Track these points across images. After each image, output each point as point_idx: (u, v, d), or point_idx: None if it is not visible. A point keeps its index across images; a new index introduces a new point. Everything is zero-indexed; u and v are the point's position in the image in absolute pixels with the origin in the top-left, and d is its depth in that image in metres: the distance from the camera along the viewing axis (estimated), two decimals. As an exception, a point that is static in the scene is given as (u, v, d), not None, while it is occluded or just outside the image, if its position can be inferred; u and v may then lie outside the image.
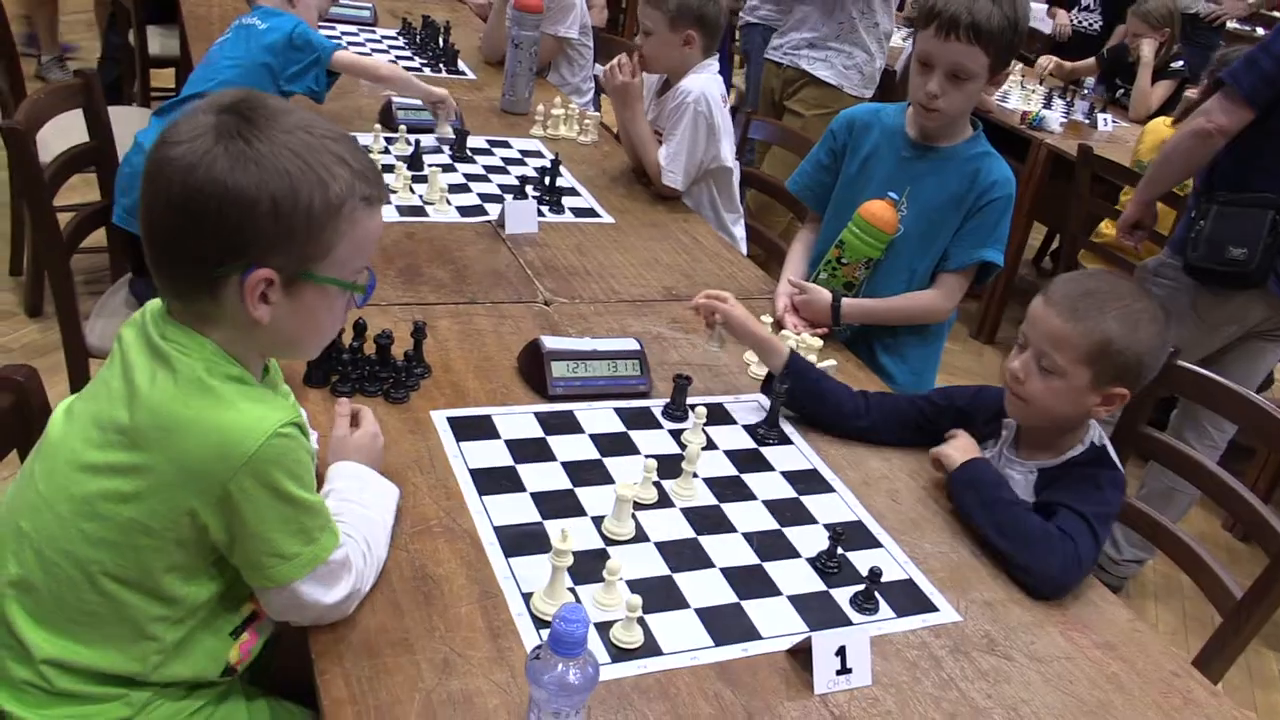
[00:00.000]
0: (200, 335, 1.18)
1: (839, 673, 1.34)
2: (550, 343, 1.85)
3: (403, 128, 2.81)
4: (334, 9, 3.87)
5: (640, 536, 1.54)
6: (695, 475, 1.67)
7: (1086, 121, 4.55)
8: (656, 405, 1.86)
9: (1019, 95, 4.70)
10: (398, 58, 3.61)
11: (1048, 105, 4.59)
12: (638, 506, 1.59)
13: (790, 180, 2.46)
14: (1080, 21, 5.50)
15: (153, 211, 1.14)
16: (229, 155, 1.10)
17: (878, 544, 1.63)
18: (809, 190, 2.41)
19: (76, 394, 1.27)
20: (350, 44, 3.66)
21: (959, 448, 1.78)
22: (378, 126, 2.86)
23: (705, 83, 2.76)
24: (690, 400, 1.85)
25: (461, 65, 3.64)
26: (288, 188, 1.11)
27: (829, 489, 1.73)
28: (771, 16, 4.17)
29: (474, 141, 2.90)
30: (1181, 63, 4.78)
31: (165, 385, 1.15)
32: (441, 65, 3.59)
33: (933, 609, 1.51)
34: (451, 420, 1.71)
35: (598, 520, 1.55)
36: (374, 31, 3.88)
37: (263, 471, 1.14)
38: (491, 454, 1.65)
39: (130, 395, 1.16)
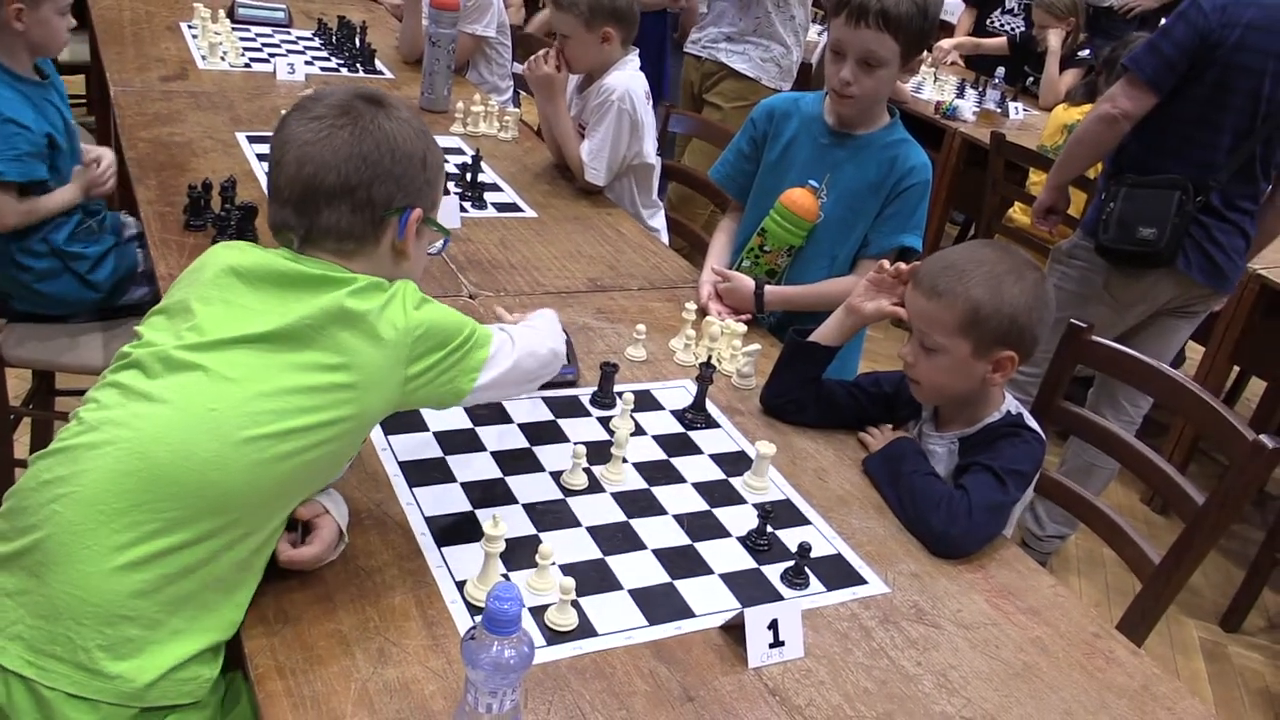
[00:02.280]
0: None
1: (772, 646, 1.35)
2: (476, 334, 1.85)
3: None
4: (247, 11, 3.84)
5: (571, 521, 1.55)
6: (625, 460, 1.68)
7: (998, 110, 4.65)
8: (584, 394, 1.87)
9: (932, 86, 4.79)
10: (314, 58, 3.57)
11: (960, 95, 4.68)
12: (567, 492, 1.60)
13: (712, 170, 2.49)
14: (1004, 25, 5.60)
15: (322, 169, 1.32)
16: (388, 119, 1.36)
17: (806, 521, 1.65)
18: (731, 179, 2.44)
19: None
20: (265, 45, 3.62)
21: (882, 440, 1.84)
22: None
23: (629, 79, 2.76)
24: (617, 387, 1.86)
25: (379, 65, 3.62)
26: (426, 146, 1.40)
27: (757, 470, 1.75)
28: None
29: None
30: (1088, 51, 4.90)
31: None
32: (359, 65, 3.56)
33: (861, 581, 1.53)
34: (378, 414, 1.70)
35: (529, 508, 1.56)
36: (289, 33, 3.84)
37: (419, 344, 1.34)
38: (420, 446, 1.65)
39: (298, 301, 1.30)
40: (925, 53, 2.27)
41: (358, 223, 1.35)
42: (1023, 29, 5.38)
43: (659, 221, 2.93)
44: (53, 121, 2.34)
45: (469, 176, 2.63)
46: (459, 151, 2.95)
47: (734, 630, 1.37)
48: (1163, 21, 3.12)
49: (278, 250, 1.35)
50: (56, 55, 2.44)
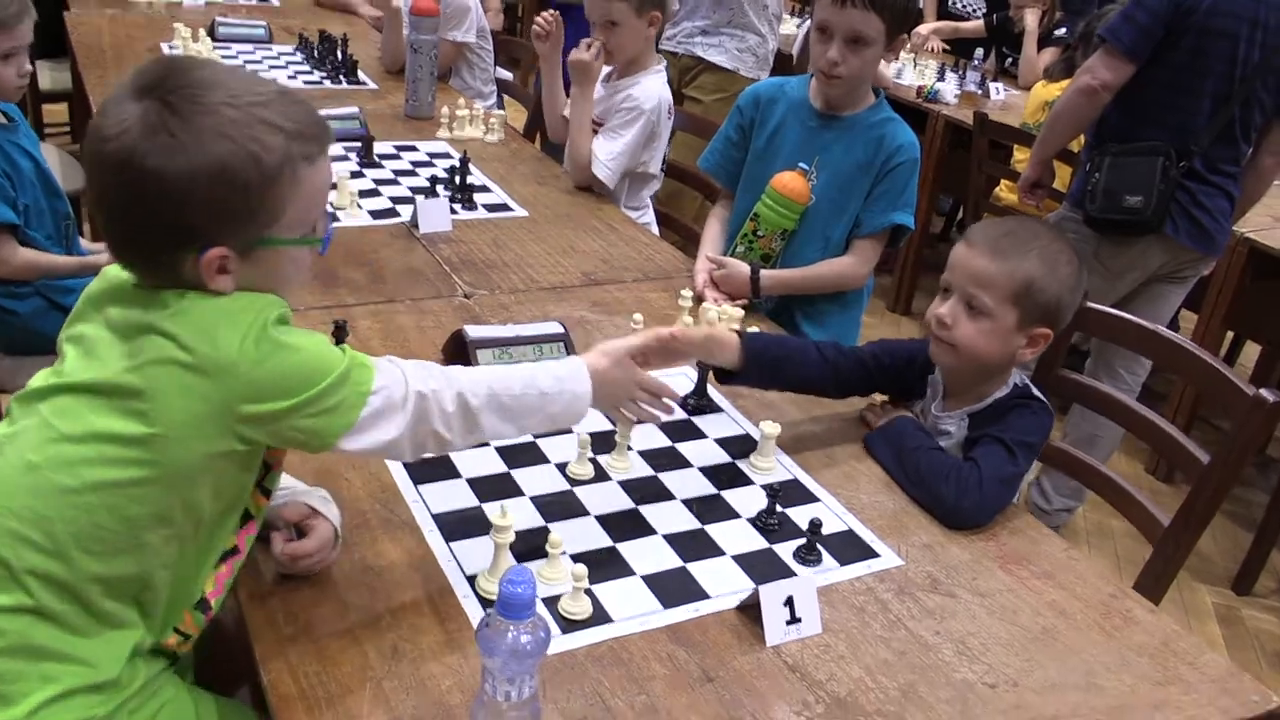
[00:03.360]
0: None
1: (789, 623, 1.35)
2: (474, 331, 1.84)
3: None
4: (228, 29, 3.84)
5: (579, 510, 1.54)
6: (630, 448, 1.67)
7: (979, 92, 4.66)
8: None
9: (913, 71, 4.79)
10: (296, 73, 3.56)
11: (941, 79, 4.68)
12: (573, 482, 1.60)
13: (701, 159, 2.48)
14: (967, 6, 5.61)
15: (100, 202, 1.16)
16: (157, 148, 1.10)
17: (815, 499, 1.65)
18: (720, 167, 2.43)
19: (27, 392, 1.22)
20: (247, 63, 3.61)
21: (883, 417, 1.83)
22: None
23: (661, 90, 2.79)
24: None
25: (362, 75, 3.61)
26: (219, 170, 1.11)
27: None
28: None
29: (380, 147, 2.88)
30: (1064, 30, 4.91)
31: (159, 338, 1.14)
32: (342, 77, 3.55)
33: (874, 555, 1.53)
34: (380, 415, 1.69)
35: (536, 500, 1.55)
36: (270, 49, 3.83)
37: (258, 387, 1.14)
38: (424, 445, 1.64)
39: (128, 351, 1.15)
40: (908, 33, 2.27)
41: (140, 257, 1.18)
42: (984, 10, 5.39)
43: (648, 218, 2.93)
44: (16, 163, 2.32)
45: (458, 179, 2.62)
46: (446, 156, 2.94)
47: (750, 610, 1.37)
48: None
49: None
50: (12, 100, 2.40)
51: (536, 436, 1.70)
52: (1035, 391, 1.78)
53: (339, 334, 1.77)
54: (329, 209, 1.28)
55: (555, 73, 2.95)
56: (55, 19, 3.98)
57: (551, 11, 2.89)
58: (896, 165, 2.19)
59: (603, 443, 1.68)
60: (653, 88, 2.80)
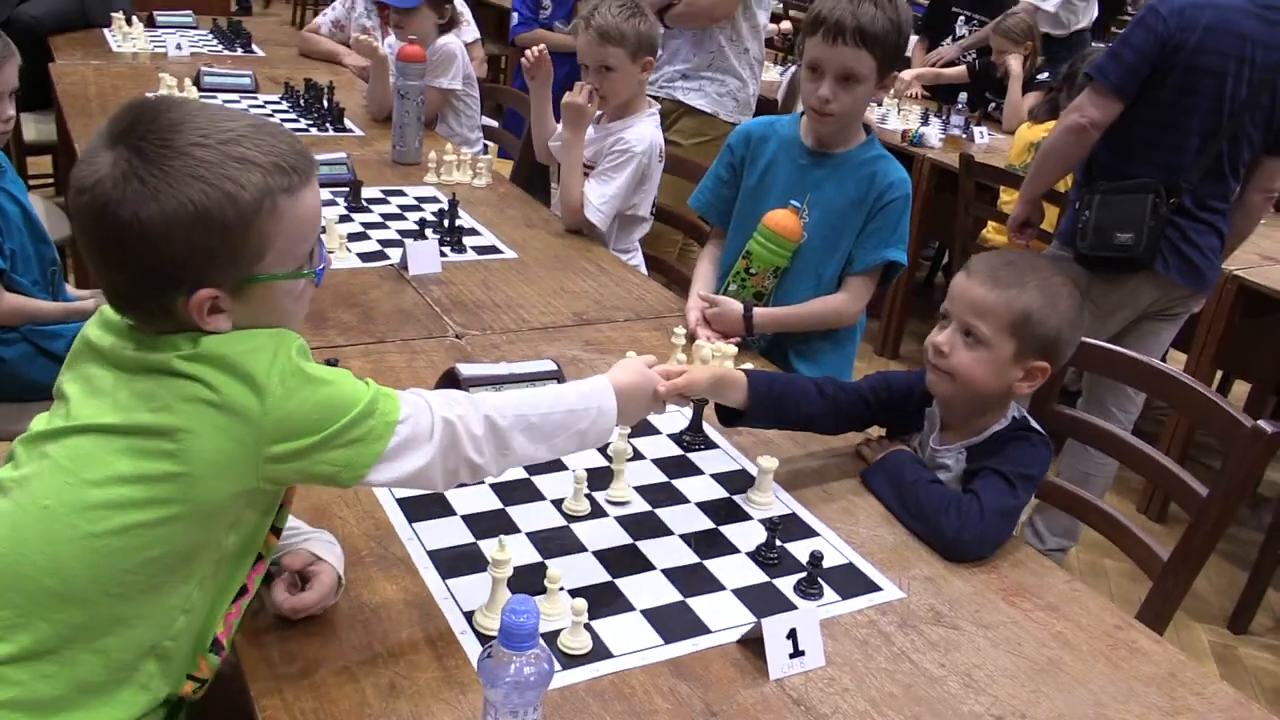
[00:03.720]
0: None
1: (792, 656, 1.32)
2: (466, 369, 1.82)
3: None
4: (214, 79, 3.85)
5: (577, 546, 1.52)
6: (625, 482, 1.65)
7: (964, 135, 4.69)
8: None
9: (896, 116, 4.83)
10: (283, 121, 3.57)
11: (925, 123, 4.72)
12: (570, 518, 1.58)
13: (692, 198, 2.48)
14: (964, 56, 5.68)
15: (88, 251, 1.15)
16: (130, 196, 1.08)
17: (814, 533, 1.63)
18: (711, 206, 2.43)
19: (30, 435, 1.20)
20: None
21: (880, 451, 1.82)
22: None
23: (653, 133, 2.82)
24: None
25: (348, 123, 3.62)
26: (195, 214, 1.08)
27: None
28: None
29: (368, 192, 2.88)
30: (1047, 74, 4.96)
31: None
32: (328, 124, 3.56)
33: (876, 588, 1.51)
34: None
35: (533, 536, 1.53)
36: (256, 98, 3.84)
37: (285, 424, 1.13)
38: (418, 482, 1.62)
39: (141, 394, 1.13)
40: (899, 71, 2.28)
41: (130, 302, 1.16)
42: (976, 56, 5.45)
43: (637, 260, 2.93)
44: (2, 209, 2.31)
45: (446, 222, 2.62)
46: (434, 200, 2.94)
47: (752, 643, 1.34)
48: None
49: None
50: None
51: (532, 473, 1.68)
52: (1034, 424, 1.77)
53: (330, 372, 1.75)
54: (321, 241, 1.26)
55: (544, 101, 3.00)
56: (40, 70, 3.99)
57: (539, 47, 2.92)
58: (889, 202, 2.19)
59: (597, 480, 1.66)
60: (645, 131, 2.81)
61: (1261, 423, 1.81)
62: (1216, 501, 1.87)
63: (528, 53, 2.91)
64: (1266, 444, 1.81)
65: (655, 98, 3.85)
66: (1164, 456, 2.02)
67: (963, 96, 5.00)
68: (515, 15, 4.81)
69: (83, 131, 3.20)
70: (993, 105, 5.27)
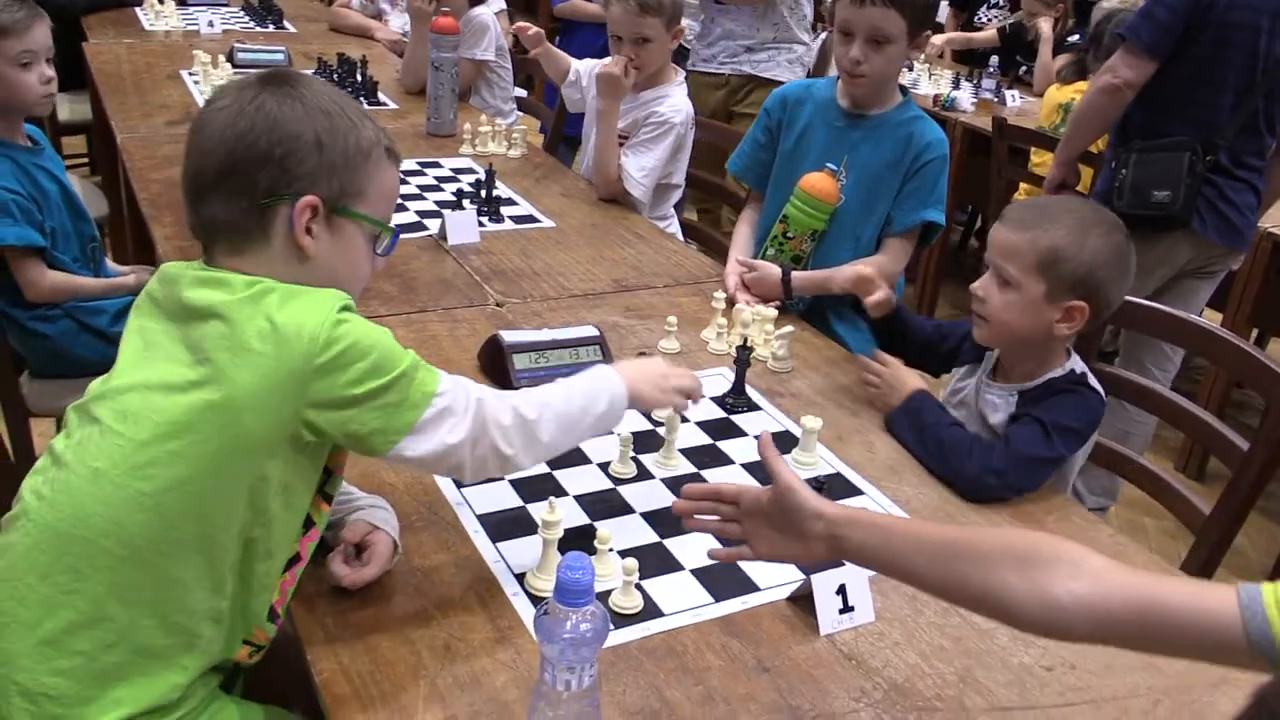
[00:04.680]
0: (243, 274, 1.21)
1: (841, 611, 1.34)
2: (509, 336, 1.85)
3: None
4: (248, 55, 3.86)
5: (624, 508, 1.54)
6: (675, 450, 1.67)
7: (995, 99, 4.66)
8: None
9: (928, 81, 4.80)
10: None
11: (956, 87, 4.69)
12: (616, 481, 1.59)
13: (730, 161, 2.49)
14: (992, 19, 5.63)
15: (203, 158, 1.21)
16: (275, 97, 1.20)
17: (860, 492, 1.64)
18: (749, 170, 2.44)
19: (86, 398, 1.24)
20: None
21: (899, 379, 1.86)
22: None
23: (687, 103, 2.83)
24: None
25: (382, 96, 3.63)
26: (328, 126, 1.21)
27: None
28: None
29: (404, 165, 2.88)
30: (1078, 36, 4.91)
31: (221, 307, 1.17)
32: (362, 98, 3.57)
33: (922, 546, 1.52)
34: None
35: (580, 499, 1.55)
36: (288, 73, 3.86)
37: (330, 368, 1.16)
38: (465, 447, 1.64)
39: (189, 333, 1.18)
40: (930, 30, 2.27)
41: (236, 214, 1.21)
42: (1010, 20, 5.40)
43: (673, 227, 2.93)
44: (42, 187, 2.34)
45: (483, 192, 2.63)
46: (470, 171, 2.95)
47: (802, 600, 1.36)
48: None
49: (190, 265, 1.25)
50: (37, 113, 2.42)
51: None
52: (1091, 379, 1.77)
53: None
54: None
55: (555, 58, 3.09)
56: (73, 50, 4.02)
57: (534, 30, 3.00)
58: (926, 162, 2.19)
59: (643, 442, 1.67)
60: (679, 101, 2.82)
61: (1301, 374, 1.81)
62: (1258, 455, 1.87)
63: (520, 27, 2.99)
64: (1310, 398, 1.81)
65: (718, 74, 3.83)
66: (1204, 412, 2.02)
67: (994, 60, 4.96)
68: (555, -13, 4.81)
69: (118, 109, 3.23)
70: (1024, 69, 5.23)
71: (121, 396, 1.19)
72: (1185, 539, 2.52)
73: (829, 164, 2.23)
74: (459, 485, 1.55)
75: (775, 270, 2.21)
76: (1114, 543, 1.59)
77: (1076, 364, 1.77)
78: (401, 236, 2.39)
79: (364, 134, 1.24)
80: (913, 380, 1.86)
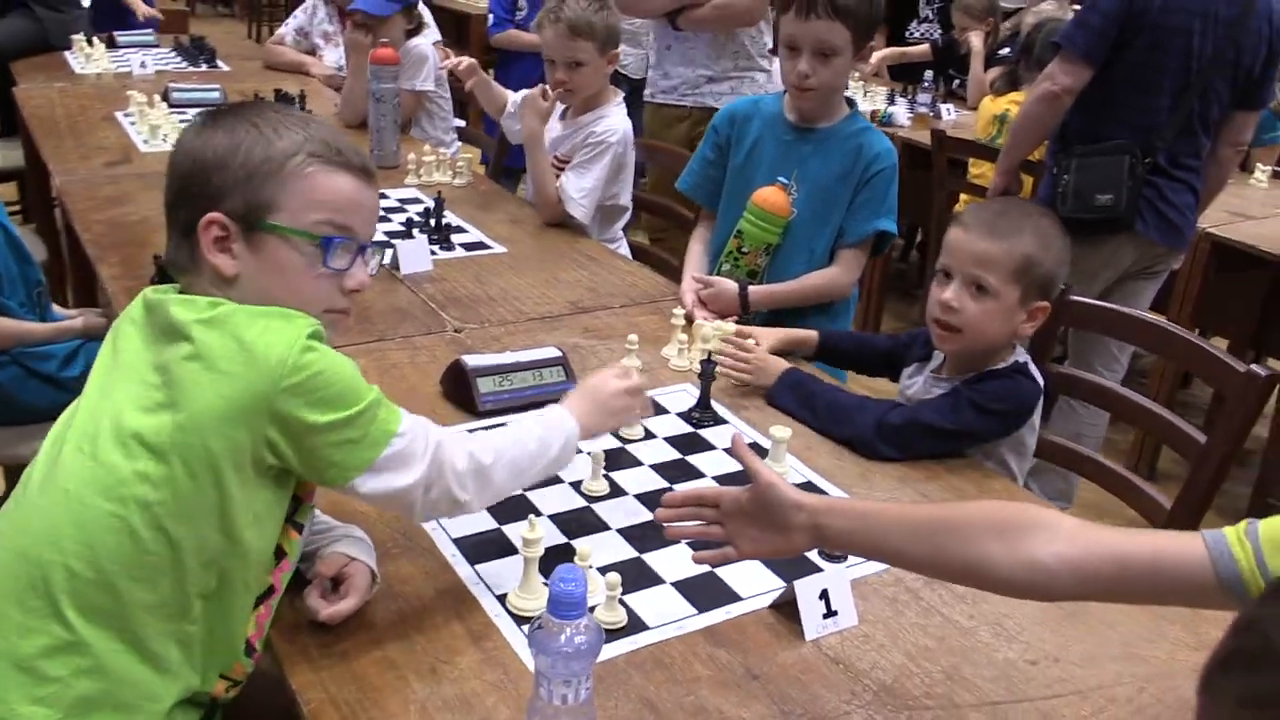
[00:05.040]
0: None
1: (825, 616, 1.34)
2: (472, 360, 1.84)
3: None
4: (182, 94, 3.82)
5: (600, 525, 1.53)
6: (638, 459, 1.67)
7: (931, 113, 4.74)
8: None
9: (863, 98, 4.87)
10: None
11: (891, 103, 4.77)
12: (590, 499, 1.59)
13: (680, 180, 2.50)
14: (924, 33, 5.72)
15: (165, 199, 1.26)
16: (195, 129, 1.24)
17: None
18: (699, 188, 2.45)
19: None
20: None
21: (767, 360, 1.94)
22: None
23: (625, 123, 2.82)
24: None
25: (320, 129, 3.60)
26: (232, 144, 1.20)
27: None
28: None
29: (350, 196, 2.86)
30: (1008, 49, 5.01)
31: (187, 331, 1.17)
32: (301, 133, 3.54)
33: (898, 548, 1.52)
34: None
35: (555, 518, 1.54)
36: (225, 111, 3.81)
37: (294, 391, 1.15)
38: (435, 473, 1.62)
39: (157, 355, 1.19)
40: (874, 42, 2.30)
41: (177, 251, 1.23)
42: (941, 33, 5.50)
43: (623, 250, 2.93)
44: None
45: (433, 220, 2.62)
46: (417, 201, 2.94)
47: (784, 607, 1.36)
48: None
49: (171, 287, 1.26)
50: None
51: (547, 458, 1.68)
52: (1031, 368, 1.81)
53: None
54: (364, 240, 1.31)
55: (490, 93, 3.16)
56: (2, 97, 3.95)
57: (467, 61, 3.07)
58: (877, 173, 2.22)
59: (615, 459, 1.67)
60: (616, 121, 2.81)
61: (1254, 367, 1.85)
62: (1216, 448, 1.91)
63: (452, 62, 3.01)
64: (1261, 388, 1.85)
65: (679, 106, 3.76)
66: (1161, 408, 2.06)
67: (928, 75, 5.05)
68: (491, 16, 4.80)
69: (54, 153, 3.18)
70: (957, 82, 5.33)
71: (90, 418, 1.18)
72: (1144, 535, 2.50)
73: (780, 178, 2.25)
74: (430, 511, 1.53)
75: (731, 286, 2.22)
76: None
77: (1020, 355, 1.82)
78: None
79: (278, 145, 1.21)
80: (780, 360, 1.95)
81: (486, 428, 1.74)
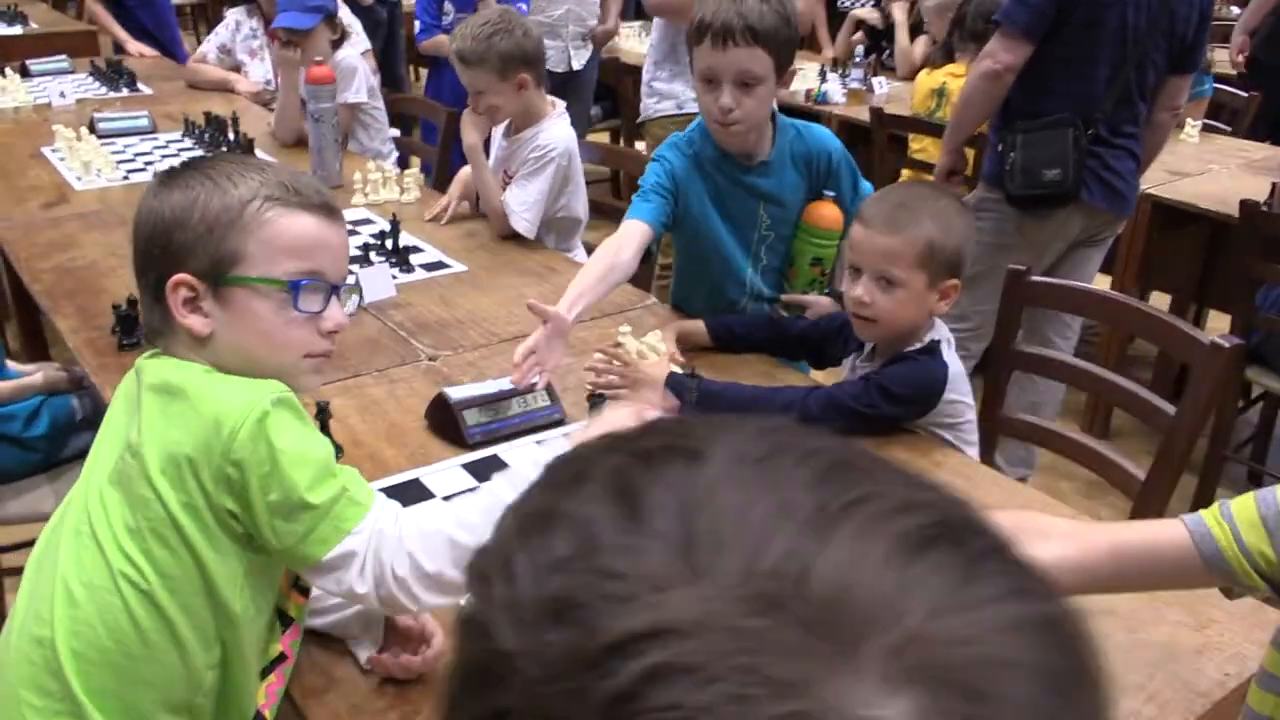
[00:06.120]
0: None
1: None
2: (456, 393, 1.83)
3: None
4: (109, 124, 3.73)
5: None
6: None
7: (864, 88, 4.77)
8: (576, 429, 1.85)
9: (798, 77, 4.88)
10: (190, 158, 3.47)
11: (824, 79, 4.79)
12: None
13: (642, 213, 2.16)
14: (854, 4, 5.75)
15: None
16: (153, 189, 1.23)
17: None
18: (662, 225, 2.20)
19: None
20: (136, 155, 3.52)
21: (642, 370, 1.94)
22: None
23: (568, 137, 2.78)
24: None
25: (259, 153, 3.53)
26: (188, 199, 1.19)
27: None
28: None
29: (300, 222, 2.82)
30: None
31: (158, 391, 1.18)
32: (239, 157, 3.48)
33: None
34: (382, 491, 1.65)
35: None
36: (157, 138, 3.73)
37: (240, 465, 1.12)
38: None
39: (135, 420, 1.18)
40: (794, 67, 2.16)
41: (151, 315, 1.24)
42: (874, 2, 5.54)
43: (581, 258, 2.92)
44: None
45: (389, 243, 2.60)
46: (368, 222, 2.91)
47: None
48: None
49: (153, 351, 1.27)
50: None
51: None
52: (944, 349, 1.86)
53: (321, 416, 1.73)
54: (335, 280, 1.27)
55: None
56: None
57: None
58: (834, 163, 2.22)
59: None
60: (557, 132, 2.78)
61: (1217, 338, 1.91)
62: (1184, 418, 1.97)
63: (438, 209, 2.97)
64: (1226, 357, 1.90)
65: (682, 114, 3.60)
66: (1130, 382, 2.11)
67: (859, 50, 5.08)
68: (418, 23, 4.73)
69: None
70: (886, 53, 5.37)
71: (83, 495, 1.20)
72: (1101, 498, 2.65)
73: (826, 191, 2.22)
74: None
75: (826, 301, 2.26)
76: (1044, 501, 1.66)
77: (937, 332, 1.87)
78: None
79: (234, 193, 1.19)
80: (663, 366, 1.95)
81: (482, 461, 1.75)
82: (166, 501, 1.12)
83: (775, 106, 2.23)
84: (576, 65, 4.74)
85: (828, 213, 2.22)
